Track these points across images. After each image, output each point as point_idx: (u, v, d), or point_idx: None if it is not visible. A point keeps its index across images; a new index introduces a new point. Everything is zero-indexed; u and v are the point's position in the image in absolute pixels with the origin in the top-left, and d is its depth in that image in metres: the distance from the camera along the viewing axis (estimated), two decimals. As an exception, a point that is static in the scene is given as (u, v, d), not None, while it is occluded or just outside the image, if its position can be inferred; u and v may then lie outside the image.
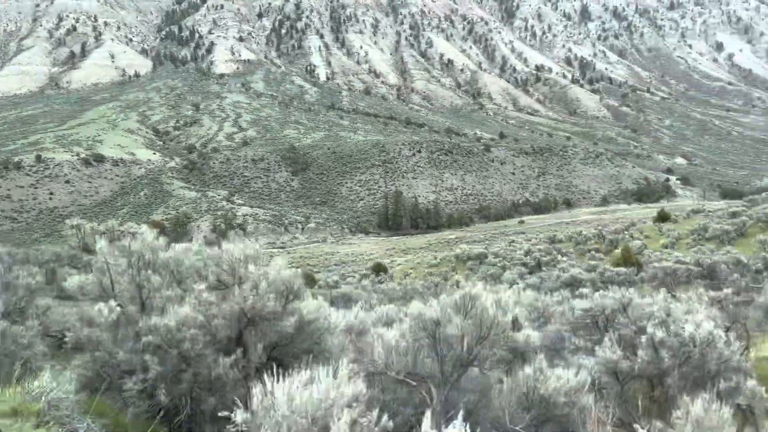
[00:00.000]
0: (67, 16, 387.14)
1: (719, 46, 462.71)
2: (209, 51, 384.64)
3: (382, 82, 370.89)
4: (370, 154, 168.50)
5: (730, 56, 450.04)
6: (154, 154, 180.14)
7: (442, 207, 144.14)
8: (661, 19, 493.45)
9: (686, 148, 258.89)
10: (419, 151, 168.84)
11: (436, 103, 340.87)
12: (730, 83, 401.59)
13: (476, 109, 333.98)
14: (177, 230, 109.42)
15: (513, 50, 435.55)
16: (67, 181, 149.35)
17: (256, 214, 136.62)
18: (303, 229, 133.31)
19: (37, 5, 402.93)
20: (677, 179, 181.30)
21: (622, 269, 16.00)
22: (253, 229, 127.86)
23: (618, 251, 26.50)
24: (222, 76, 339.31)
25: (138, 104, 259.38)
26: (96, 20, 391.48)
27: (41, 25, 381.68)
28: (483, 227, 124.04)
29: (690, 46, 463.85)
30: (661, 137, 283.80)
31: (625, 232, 28.88)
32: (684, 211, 39.31)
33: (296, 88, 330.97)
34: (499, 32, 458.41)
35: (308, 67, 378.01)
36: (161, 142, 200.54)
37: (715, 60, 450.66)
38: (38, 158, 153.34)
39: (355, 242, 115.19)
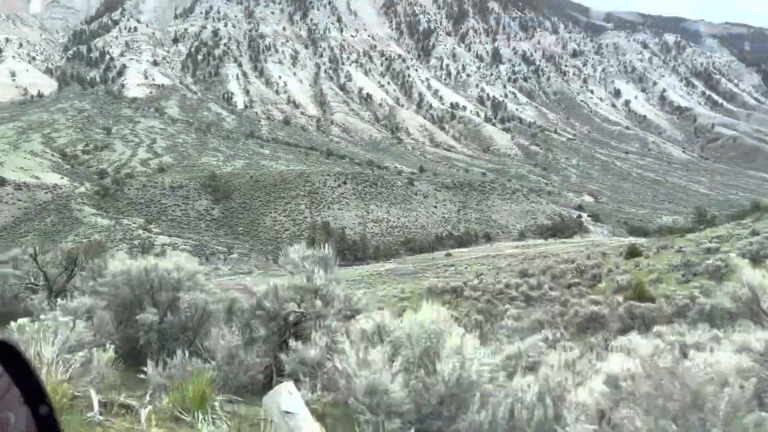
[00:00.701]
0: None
1: (617, 93, 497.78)
2: (120, 74, 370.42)
3: (302, 113, 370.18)
4: (295, 184, 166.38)
5: (627, 102, 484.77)
6: (62, 178, 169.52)
7: (368, 239, 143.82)
8: (566, 65, 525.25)
9: (592, 186, 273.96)
10: (345, 182, 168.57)
11: (355, 136, 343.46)
12: (627, 127, 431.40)
13: (395, 143, 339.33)
14: (89, 259, 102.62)
15: (429, 87, 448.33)
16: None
17: (176, 243, 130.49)
18: (226, 259, 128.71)
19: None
20: (588, 216, 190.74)
21: (652, 305, 16.01)
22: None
23: (601, 286, 26.97)
24: (134, 99, 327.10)
25: (42, 125, 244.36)
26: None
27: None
28: (410, 259, 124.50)
29: (591, 92, 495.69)
30: (569, 176, 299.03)
31: (600, 267, 29.51)
32: (651, 246, 40.49)
33: (213, 115, 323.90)
34: (416, 70, 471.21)
35: (225, 95, 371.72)
36: (69, 166, 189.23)
37: (613, 105, 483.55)
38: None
39: (284, 273, 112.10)
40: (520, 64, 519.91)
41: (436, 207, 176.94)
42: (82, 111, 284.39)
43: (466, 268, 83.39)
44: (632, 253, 33.83)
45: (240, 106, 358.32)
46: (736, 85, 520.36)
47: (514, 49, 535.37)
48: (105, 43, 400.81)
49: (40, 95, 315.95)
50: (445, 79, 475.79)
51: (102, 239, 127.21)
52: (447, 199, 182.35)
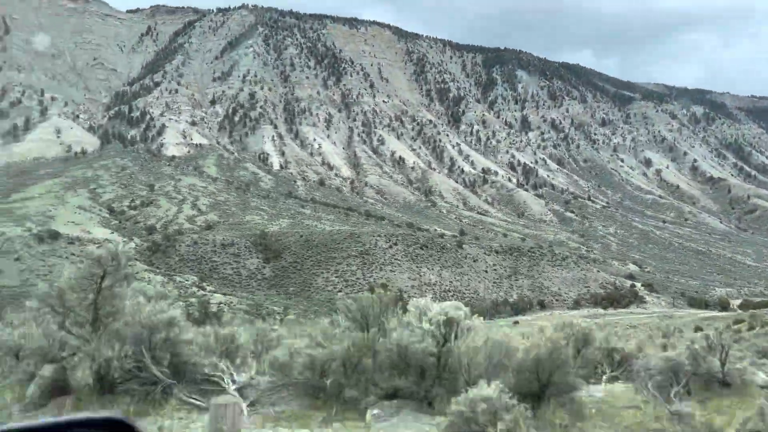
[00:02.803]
0: (13, 88, 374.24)
1: (648, 162, 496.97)
2: (160, 133, 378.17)
3: (336, 174, 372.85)
4: (345, 244, 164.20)
5: (658, 172, 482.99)
6: (112, 233, 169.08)
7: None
8: (595, 134, 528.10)
9: (635, 255, 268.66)
10: (395, 244, 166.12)
11: (389, 198, 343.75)
12: (660, 196, 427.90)
13: (429, 206, 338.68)
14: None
15: (460, 152, 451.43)
16: (17, 259, 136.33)
17: (231, 302, 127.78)
18: (282, 320, 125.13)
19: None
20: (642, 285, 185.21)
21: None
22: (229, 318, 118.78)
23: None
24: (173, 158, 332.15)
25: (87, 181, 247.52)
26: (42, 95, 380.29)
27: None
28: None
29: (622, 160, 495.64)
30: (608, 243, 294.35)
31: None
32: (749, 320, 36.69)
33: (250, 175, 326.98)
34: (447, 135, 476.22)
35: (261, 155, 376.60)
36: (117, 222, 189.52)
37: (645, 174, 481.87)
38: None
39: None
40: (549, 132, 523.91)
41: (486, 271, 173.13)
42: (124, 168, 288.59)
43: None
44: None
45: (276, 166, 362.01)
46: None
47: (543, 117, 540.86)
48: (146, 103, 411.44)
49: (84, 152, 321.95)
50: (476, 145, 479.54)
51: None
52: (497, 264, 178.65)
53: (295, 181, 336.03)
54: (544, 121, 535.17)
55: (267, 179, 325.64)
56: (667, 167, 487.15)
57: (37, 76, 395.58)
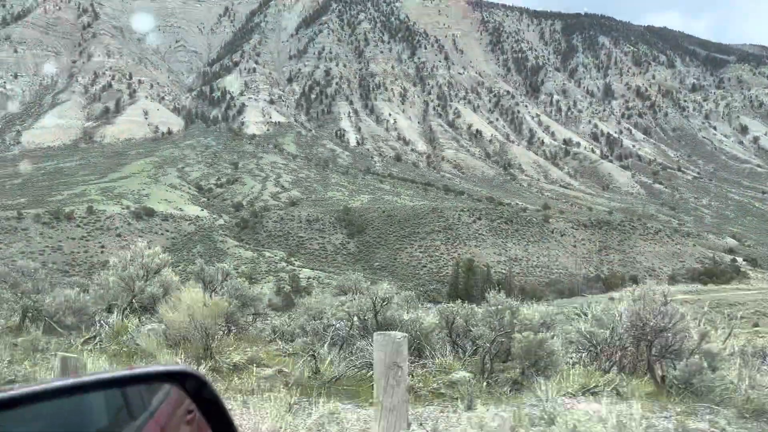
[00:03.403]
0: (103, 73, 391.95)
1: (744, 129, 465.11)
2: (240, 112, 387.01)
3: (412, 150, 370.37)
4: (428, 219, 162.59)
5: (756, 139, 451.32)
6: (202, 210, 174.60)
7: (510, 278, 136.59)
8: (684, 101, 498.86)
9: (732, 228, 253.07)
10: (479, 218, 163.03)
11: (467, 173, 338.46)
12: (759, 166, 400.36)
13: (508, 179, 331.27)
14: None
15: (540, 123, 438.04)
16: (119, 235, 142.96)
17: (319, 277, 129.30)
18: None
19: (74, 61, 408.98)
20: (743, 260, 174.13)
21: None
22: (319, 293, 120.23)
23: None
24: (253, 136, 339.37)
25: (175, 161, 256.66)
26: (131, 78, 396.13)
27: (77, 81, 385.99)
28: (564, 302, 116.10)
29: (714, 128, 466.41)
30: (702, 216, 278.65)
31: None
32: None
33: (327, 152, 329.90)
34: (525, 106, 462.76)
35: (338, 132, 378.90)
36: (206, 199, 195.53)
37: (740, 142, 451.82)
38: (90, 210, 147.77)
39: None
40: (634, 100, 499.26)
41: (575, 246, 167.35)
42: (208, 147, 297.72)
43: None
44: None
45: (352, 143, 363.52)
46: None
47: (627, 84, 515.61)
48: (226, 83, 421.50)
49: (170, 132, 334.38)
50: (556, 115, 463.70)
51: (248, 270, 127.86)
52: (585, 239, 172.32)
53: (371, 157, 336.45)
54: (629, 88, 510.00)
55: (344, 155, 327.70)
56: (765, 134, 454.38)
57: (125, 60, 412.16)
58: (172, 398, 1.82)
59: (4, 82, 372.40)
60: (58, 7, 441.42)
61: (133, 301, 15.47)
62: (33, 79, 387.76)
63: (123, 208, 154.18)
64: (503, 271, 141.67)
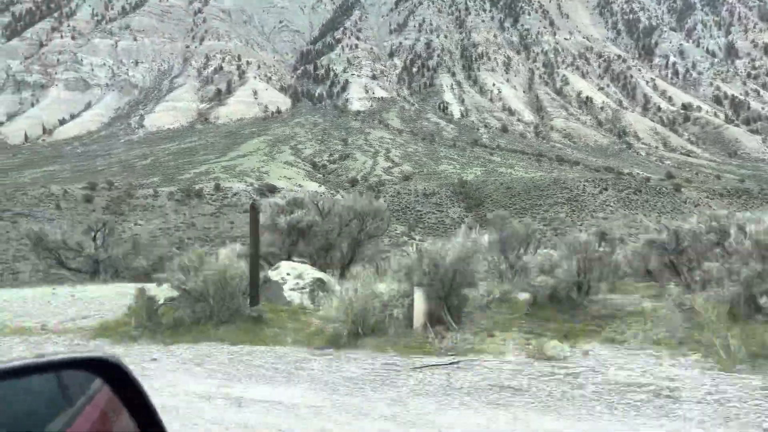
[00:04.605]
0: (214, 56, 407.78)
1: None
2: (344, 89, 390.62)
3: (518, 120, 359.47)
4: (550, 191, 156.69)
5: None
6: (320, 186, 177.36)
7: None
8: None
9: None
10: (605, 189, 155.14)
11: (578, 141, 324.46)
12: None
13: (624, 148, 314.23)
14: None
15: (655, 88, 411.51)
16: (245, 211, 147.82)
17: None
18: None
19: (188, 46, 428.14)
20: None
21: None
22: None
23: None
24: (358, 113, 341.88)
25: (286, 139, 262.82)
26: (239, 60, 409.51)
27: (191, 65, 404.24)
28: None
29: None
30: None
31: None
32: None
33: (432, 125, 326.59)
34: (639, 70, 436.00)
35: (441, 105, 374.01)
36: (321, 175, 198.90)
37: None
38: (217, 187, 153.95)
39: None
40: (761, 58, 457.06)
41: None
42: (316, 124, 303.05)
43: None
44: None
45: (456, 115, 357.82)
46: None
47: (753, 41, 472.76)
48: (329, 60, 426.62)
49: (279, 111, 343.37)
50: (672, 79, 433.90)
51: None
52: (722, 208, 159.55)
53: (477, 129, 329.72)
54: (755, 46, 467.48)
55: (449, 128, 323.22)
56: None
57: (234, 43, 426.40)
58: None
59: (127, 69, 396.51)
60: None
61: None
62: (152, 65, 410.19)
63: (247, 185, 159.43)
64: (634, 242, 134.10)
